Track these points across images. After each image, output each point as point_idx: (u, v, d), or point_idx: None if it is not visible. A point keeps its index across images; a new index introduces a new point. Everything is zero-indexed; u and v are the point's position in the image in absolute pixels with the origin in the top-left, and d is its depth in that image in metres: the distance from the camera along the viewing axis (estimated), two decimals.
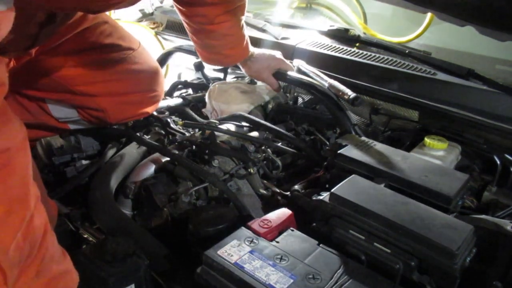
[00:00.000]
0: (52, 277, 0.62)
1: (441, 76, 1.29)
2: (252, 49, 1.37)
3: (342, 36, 1.61)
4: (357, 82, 1.31)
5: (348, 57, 1.44)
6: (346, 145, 1.02)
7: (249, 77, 1.45)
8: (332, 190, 0.83)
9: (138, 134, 1.21)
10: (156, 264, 0.83)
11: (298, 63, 1.41)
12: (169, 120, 1.22)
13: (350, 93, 1.19)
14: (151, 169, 1.11)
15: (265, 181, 1.10)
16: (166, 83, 1.96)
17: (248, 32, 1.36)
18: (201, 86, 1.67)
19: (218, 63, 1.50)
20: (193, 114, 1.44)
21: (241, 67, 1.42)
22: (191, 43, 1.40)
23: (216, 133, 1.15)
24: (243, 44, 1.33)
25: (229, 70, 1.68)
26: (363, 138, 1.09)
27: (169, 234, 0.98)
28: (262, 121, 1.26)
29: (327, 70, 1.36)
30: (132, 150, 1.17)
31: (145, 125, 1.28)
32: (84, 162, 1.18)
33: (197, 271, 0.73)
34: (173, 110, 1.45)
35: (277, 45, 1.55)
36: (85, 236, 1.00)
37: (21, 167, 0.58)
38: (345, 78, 1.32)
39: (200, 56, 1.40)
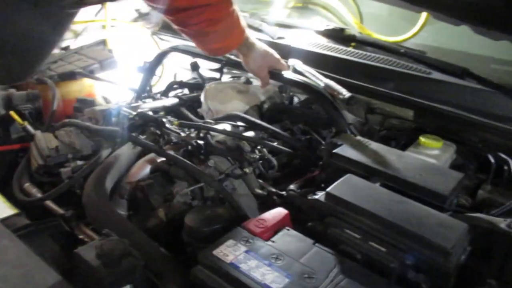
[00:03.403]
0: None
1: (436, 75, 1.29)
2: (253, 39, 1.34)
3: (337, 35, 1.62)
4: (352, 81, 1.31)
5: (344, 56, 1.44)
6: (341, 145, 1.02)
7: (246, 67, 1.40)
8: (328, 190, 0.84)
9: (133, 134, 1.20)
10: (152, 264, 0.83)
11: (294, 62, 1.41)
12: (164, 120, 1.22)
13: (345, 93, 1.19)
14: (147, 169, 1.11)
15: (260, 181, 1.10)
16: (161, 83, 1.97)
17: None
18: (197, 86, 1.67)
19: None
20: (188, 114, 1.44)
21: (240, 55, 1.38)
22: (187, 43, 1.38)
23: (212, 133, 1.15)
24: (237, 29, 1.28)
25: (224, 70, 1.68)
26: (359, 137, 1.10)
27: (164, 234, 0.98)
28: (258, 121, 1.26)
29: (323, 70, 1.36)
30: (127, 151, 1.17)
31: (141, 125, 1.27)
32: (79, 162, 1.18)
33: (192, 271, 0.72)
34: (168, 110, 1.45)
35: (273, 45, 1.55)
36: (81, 237, 1.00)
37: None
38: (340, 77, 1.32)
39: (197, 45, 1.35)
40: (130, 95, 1.71)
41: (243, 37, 1.29)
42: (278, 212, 0.84)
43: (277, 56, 1.39)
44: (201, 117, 1.44)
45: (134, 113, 1.24)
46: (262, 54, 1.35)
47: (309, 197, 0.89)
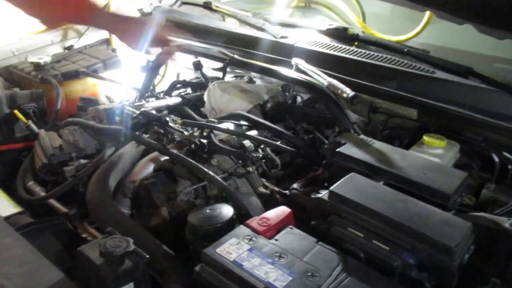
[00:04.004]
0: None
1: (439, 74, 1.29)
2: (122, 10, 1.20)
3: (341, 35, 1.61)
4: (356, 80, 1.31)
5: (347, 56, 1.44)
6: (345, 144, 1.02)
7: (128, 44, 1.23)
8: (331, 188, 0.83)
9: (136, 133, 1.21)
10: (155, 262, 0.83)
11: (297, 61, 1.41)
12: (168, 119, 1.22)
13: (349, 92, 1.19)
14: (150, 168, 1.11)
15: (264, 180, 1.10)
16: (165, 83, 1.97)
17: (247, 31, 1.35)
18: (200, 85, 1.67)
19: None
20: (192, 113, 1.44)
21: (112, 32, 1.29)
22: (190, 42, 1.35)
23: (215, 131, 1.15)
24: None
25: (228, 69, 1.68)
26: (362, 136, 1.09)
27: (167, 232, 0.98)
28: (261, 120, 1.26)
29: (326, 69, 1.36)
30: (131, 149, 1.17)
31: (144, 124, 1.28)
32: (82, 161, 1.18)
33: (196, 269, 0.72)
34: (172, 109, 1.45)
35: (276, 44, 1.55)
36: (84, 235, 1.00)
37: None
38: (344, 76, 1.32)
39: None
40: (134, 94, 1.71)
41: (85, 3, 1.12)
42: (281, 210, 0.84)
43: (158, 22, 1.25)
44: (205, 116, 1.45)
45: (138, 112, 1.24)
46: (136, 22, 1.22)
47: (312, 196, 0.88)
